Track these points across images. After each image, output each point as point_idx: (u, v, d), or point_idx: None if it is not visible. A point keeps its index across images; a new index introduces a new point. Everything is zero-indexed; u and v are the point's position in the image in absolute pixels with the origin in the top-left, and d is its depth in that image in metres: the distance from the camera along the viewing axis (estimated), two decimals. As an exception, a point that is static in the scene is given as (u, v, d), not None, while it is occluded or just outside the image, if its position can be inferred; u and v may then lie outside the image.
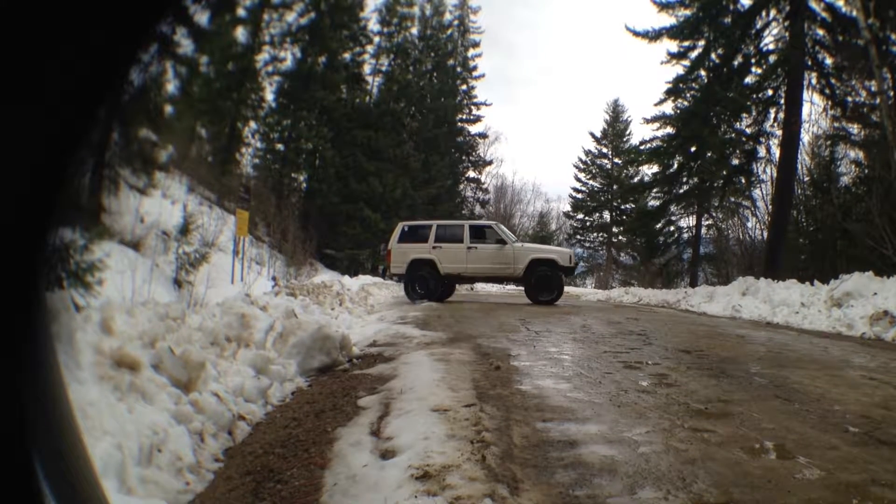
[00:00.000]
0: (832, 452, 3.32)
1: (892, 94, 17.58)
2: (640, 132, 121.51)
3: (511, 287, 24.58)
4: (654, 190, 29.06)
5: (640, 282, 34.21)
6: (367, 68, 35.38)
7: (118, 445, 2.81)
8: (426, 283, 16.31)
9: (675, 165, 26.93)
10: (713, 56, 25.03)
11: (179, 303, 7.46)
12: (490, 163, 49.25)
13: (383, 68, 36.31)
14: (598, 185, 54.26)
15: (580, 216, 55.15)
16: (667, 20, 25.95)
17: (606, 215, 53.60)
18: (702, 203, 26.86)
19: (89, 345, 3.63)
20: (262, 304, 7.01)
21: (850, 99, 21.51)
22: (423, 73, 39.01)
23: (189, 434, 3.48)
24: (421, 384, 4.83)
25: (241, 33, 25.90)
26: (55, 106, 0.74)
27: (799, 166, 23.26)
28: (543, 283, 15.86)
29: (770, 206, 24.65)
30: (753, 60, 23.91)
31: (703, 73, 25.63)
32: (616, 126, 54.08)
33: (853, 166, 22.20)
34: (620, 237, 48.93)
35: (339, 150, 29.97)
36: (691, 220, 28.43)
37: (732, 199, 26.86)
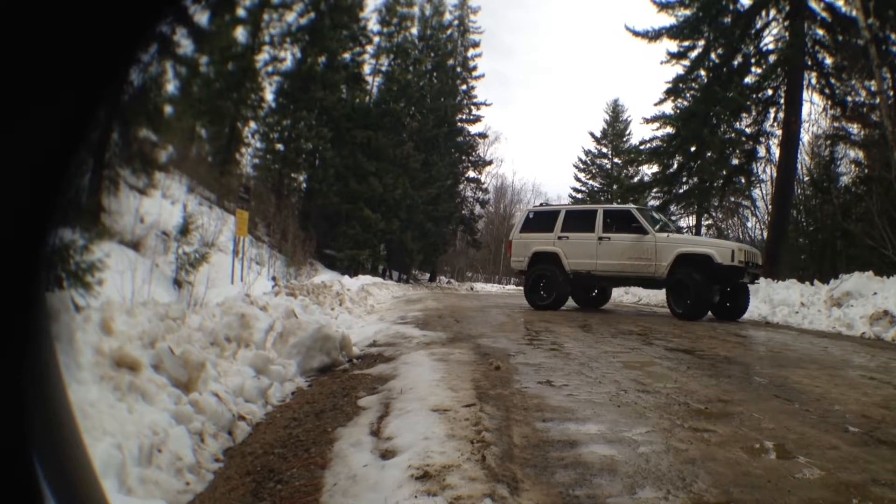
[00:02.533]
0: (832, 452, 3.31)
1: (891, 93, 17.58)
2: (640, 132, 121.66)
3: (511, 287, 23.83)
4: (654, 190, 29.00)
5: (640, 282, 34.16)
6: (366, 68, 35.45)
7: (118, 445, 2.81)
8: (549, 284, 13.48)
9: (675, 165, 26.89)
10: (713, 56, 25.01)
11: (179, 303, 7.46)
12: (490, 163, 49.31)
13: (383, 68, 36.35)
14: (598, 185, 54.20)
15: (580, 216, 55.05)
16: (666, 20, 25.97)
17: (606, 215, 53.48)
18: (702, 203, 26.84)
19: (89, 345, 3.63)
20: (262, 304, 7.01)
21: (849, 99, 21.51)
22: (422, 73, 39.00)
23: (189, 434, 3.48)
24: (421, 384, 4.83)
25: (240, 33, 25.93)
26: (55, 106, 0.74)
27: (799, 166, 23.28)
28: (684, 289, 11.87)
29: (770, 206, 24.67)
30: (753, 60, 23.90)
31: (702, 72, 25.61)
32: (616, 126, 54.04)
33: (853, 166, 22.22)
34: (620, 237, 48.77)
35: (338, 150, 29.97)
36: (691, 220, 28.41)
37: (732, 199, 26.89)
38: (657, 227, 12.99)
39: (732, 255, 11.65)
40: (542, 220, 14.19)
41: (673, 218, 28.94)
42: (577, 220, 13.61)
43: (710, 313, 12.28)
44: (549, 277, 13.42)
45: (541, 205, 16.78)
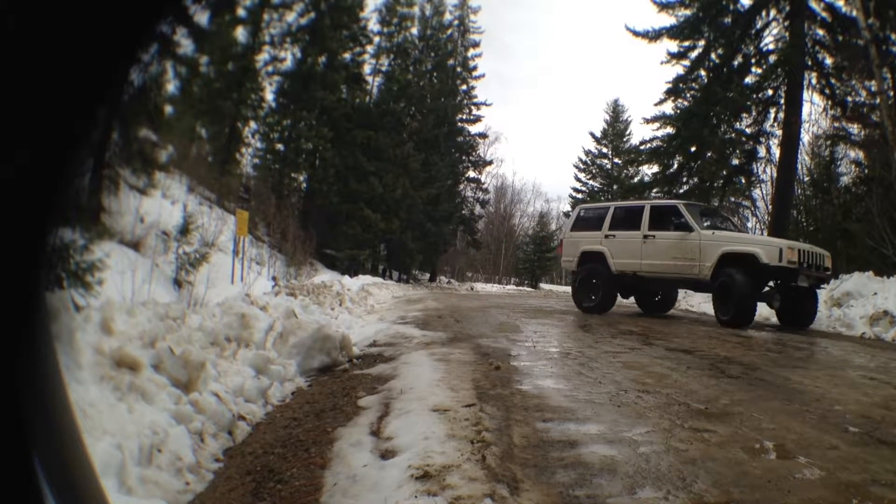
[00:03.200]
0: (832, 452, 3.32)
1: (891, 93, 17.58)
2: (640, 132, 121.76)
3: (511, 287, 23.58)
4: (655, 190, 28.96)
5: (641, 282, 34.16)
6: (367, 68, 35.38)
7: (118, 445, 2.81)
8: (595, 285, 12.83)
9: (675, 165, 26.86)
10: (713, 56, 24.98)
11: (179, 303, 7.46)
12: (490, 163, 49.27)
13: (383, 68, 36.30)
14: (599, 185, 54.22)
15: (580, 216, 55.08)
16: (667, 20, 25.90)
17: (606, 215, 53.50)
18: (702, 203, 26.80)
19: (89, 345, 3.63)
20: (262, 304, 7.01)
21: (850, 99, 21.49)
22: (423, 73, 38.96)
23: (189, 434, 3.48)
24: (421, 384, 4.83)
25: (241, 33, 25.91)
26: (55, 106, 0.74)
27: (799, 166, 23.26)
28: (728, 293, 10.76)
29: (770, 206, 24.63)
30: (753, 60, 23.88)
31: (703, 73, 25.57)
32: (616, 126, 54.06)
33: (853, 166, 22.20)
34: (620, 237, 48.76)
35: (338, 150, 29.94)
36: (691, 220, 28.33)
37: (732, 199, 26.84)
38: (707, 223, 11.93)
39: (780, 255, 10.37)
40: (591, 217, 13.57)
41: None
42: (625, 217, 12.86)
43: (774, 320, 11.69)
44: (596, 278, 12.80)
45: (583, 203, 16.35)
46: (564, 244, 13.93)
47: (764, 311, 11.78)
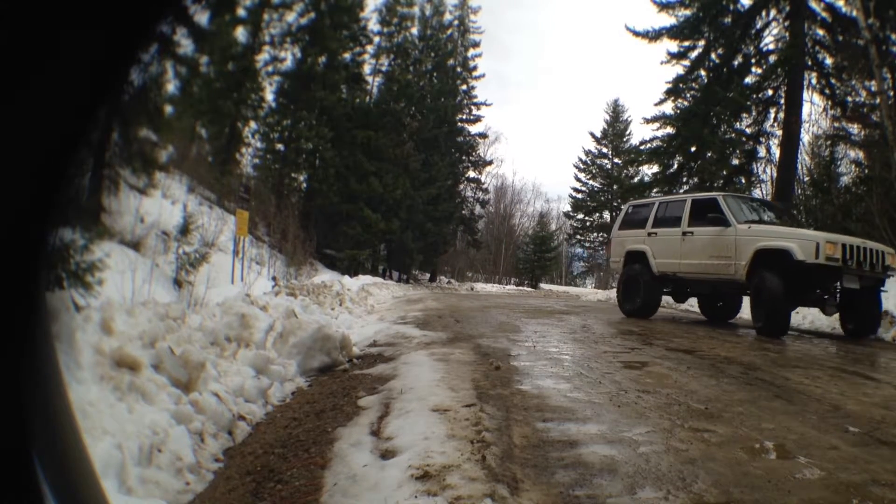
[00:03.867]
0: (832, 452, 3.32)
1: (892, 93, 17.57)
2: (640, 132, 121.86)
3: (511, 287, 23.39)
4: (655, 190, 28.97)
5: (640, 282, 34.16)
6: (367, 68, 35.38)
7: (118, 445, 2.81)
8: (637, 287, 11.95)
9: (675, 165, 26.88)
10: (713, 56, 24.99)
11: (179, 303, 7.46)
12: (490, 163, 49.28)
13: (383, 68, 36.31)
14: (599, 185, 54.32)
15: (580, 216, 55.22)
16: (667, 20, 25.93)
17: (606, 215, 53.62)
18: (701, 203, 26.79)
19: (89, 345, 3.63)
20: (262, 304, 7.01)
21: (850, 99, 21.50)
22: (423, 73, 38.98)
23: (189, 434, 3.48)
24: (421, 384, 4.83)
25: (241, 33, 25.90)
26: (55, 106, 0.74)
27: (799, 166, 23.24)
28: (757, 296, 9.75)
29: (770, 206, 24.63)
30: (753, 60, 23.89)
31: (703, 73, 25.58)
32: (616, 126, 54.13)
33: (853, 166, 22.18)
34: (621, 237, 48.80)
35: (339, 150, 29.93)
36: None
37: (732, 199, 26.80)
38: (753, 217, 10.70)
39: (817, 250, 8.91)
40: (637, 215, 12.65)
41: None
42: (667, 213, 11.90)
43: (839, 329, 10.38)
44: (638, 280, 11.94)
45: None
46: (612, 244, 13.24)
47: (825, 317, 10.58)
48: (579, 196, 54.62)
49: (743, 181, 25.42)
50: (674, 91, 26.38)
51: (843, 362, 6.95)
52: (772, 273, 9.27)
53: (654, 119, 27.33)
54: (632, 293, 12.11)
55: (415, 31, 39.40)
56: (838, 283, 9.29)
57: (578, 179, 54.69)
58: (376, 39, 35.66)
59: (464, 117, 44.70)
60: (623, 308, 12.41)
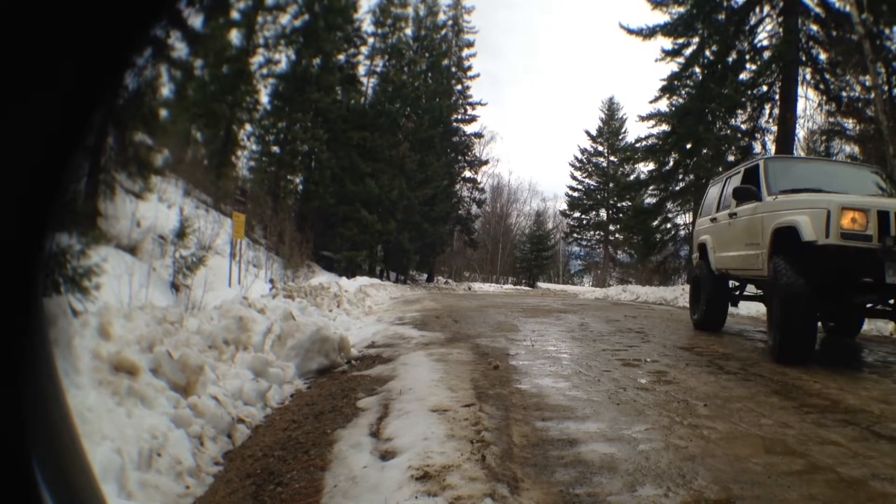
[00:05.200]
0: (832, 448, 3.32)
1: (886, 88, 17.60)
2: (636, 130, 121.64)
3: (508, 286, 23.24)
4: (651, 187, 29.01)
5: (638, 279, 34.27)
6: (361, 69, 35.36)
7: (117, 450, 2.80)
8: (698, 290, 9.75)
9: (671, 163, 26.93)
10: (707, 53, 25.04)
11: (177, 306, 7.45)
12: (486, 162, 49.36)
13: (378, 69, 36.31)
14: (595, 184, 54.42)
15: (577, 214, 55.32)
16: (661, 17, 26.00)
17: (603, 213, 53.78)
18: (698, 200, 26.81)
19: (87, 350, 3.62)
20: (259, 306, 7.00)
21: (844, 94, 21.54)
22: (417, 73, 38.97)
23: (188, 438, 3.47)
24: (420, 385, 4.83)
25: (235, 36, 25.86)
26: (50, 111, 0.74)
27: (795, 162, 23.29)
28: (768, 300, 7.39)
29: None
30: (748, 57, 23.93)
31: (697, 70, 25.63)
32: (611, 124, 54.23)
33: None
34: (617, 235, 49.08)
35: (334, 152, 29.93)
36: (688, 217, 28.35)
37: (729, 196, 26.87)
38: (794, 185, 7.52)
39: (828, 224, 5.95)
40: (712, 194, 10.26)
41: (670, 215, 28.91)
42: (728, 189, 9.15)
43: None
44: (699, 281, 9.79)
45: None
46: (694, 234, 10.89)
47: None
48: (576, 194, 54.72)
49: (739, 178, 25.46)
50: (669, 88, 26.42)
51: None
52: (786, 264, 6.40)
53: (650, 116, 27.36)
54: (696, 298, 9.97)
55: (409, 31, 39.41)
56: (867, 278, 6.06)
57: (574, 178, 54.83)
58: (371, 40, 35.68)
59: (459, 117, 44.74)
60: (692, 317, 10.10)
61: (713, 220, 9.48)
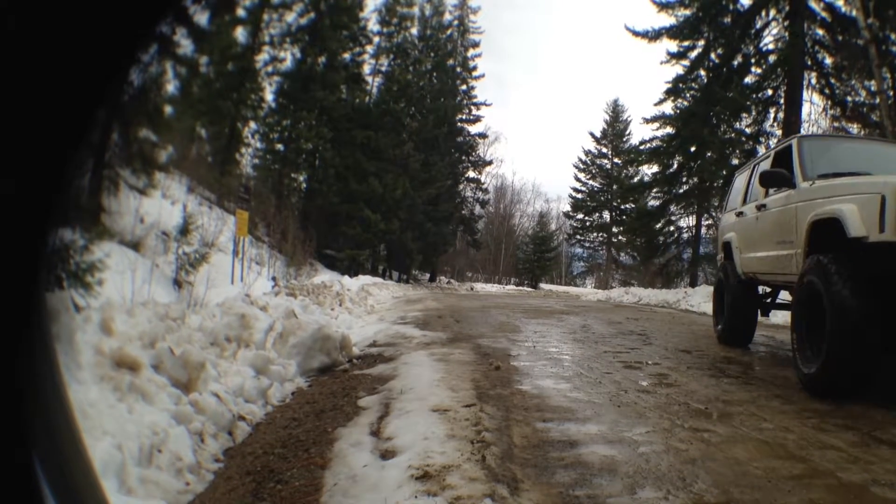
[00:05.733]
0: (832, 452, 3.31)
1: (891, 93, 17.57)
2: (640, 132, 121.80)
3: (511, 287, 23.12)
4: (654, 190, 29.05)
5: (640, 282, 34.25)
6: (366, 68, 35.36)
7: (118, 446, 2.81)
8: (722, 297, 8.31)
9: (675, 165, 26.95)
10: (713, 56, 25.06)
11: (179, 303, 7.46)
12: (490, 163, 49.31)
13: (383, 68, 36.30)
14: (598, 185, 54.32)
15: (580, 216, 55.23)
16: (666, 20, 26.04)
17: (606, 215, 53.68)
18: (702, 203, 26.84)
19: (89, 345, 3.63)
20: (261, 304, 7.01)
21: (849, 99, 21.52)
22: (422, 73, 38.96)
23: (189, 434, 3.48)
24: (421, 384, 4.83)
25: (240, 34, 25.89)
26: (55, 106, 0.74)
27: (799, 166, 23.25)
28: (798, 317, 5.40)
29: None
30: (753, 60, 23.93)
31: (702, 72, 25.65)
32: (616, 126, 54.13)
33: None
34: (620, 237, 48.96)
35: (338, 151, 29.94)
36: (691, 220, 28.41)
37: (732, 199, 26.87)
38: (836, 168, 6.09)
39: (882, 213, 4.53)
40: (738, 185, 8.74)
41: (673, 218, 28.84)
42: (756, 178, 7.53)
43: None
44: (723, 287, 8.35)
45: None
46: (717, 233, 9.63)
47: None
48: (579, 196, 54.63)
49: (743, 181, 25.45)
50: (673, 91, 26.44)
51: None
52: (829, 265, 4.85)
53: (654, 119, 27.40)
54: (720, 307, 8.45)
55: (414, 31, 39.41)
56: None
57: (578, 179, 54.72)
58: (376, 39, 35.69)
59: (463, 117, 44.73)
60: (715, 329, 8.58)
61: (739, 214, 8.03)
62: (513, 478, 2.82)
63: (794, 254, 5.92)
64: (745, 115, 24.43)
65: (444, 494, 2.57)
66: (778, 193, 6.60)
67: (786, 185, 6.33)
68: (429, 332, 8.39)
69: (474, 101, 45.49)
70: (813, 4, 22.18)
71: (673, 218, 28.89)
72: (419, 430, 3.50)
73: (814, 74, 22.59)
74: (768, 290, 8.15)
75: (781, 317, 9.65)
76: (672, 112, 26.74)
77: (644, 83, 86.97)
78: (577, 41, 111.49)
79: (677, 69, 25.96)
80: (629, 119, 53.76)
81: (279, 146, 29.75)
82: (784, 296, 7.92)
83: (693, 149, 25.67)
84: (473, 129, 45.82)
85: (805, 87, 22.26)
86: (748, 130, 24.76)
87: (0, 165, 0.71)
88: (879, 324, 4.51)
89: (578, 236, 56.39)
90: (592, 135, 54.93)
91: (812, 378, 4.88)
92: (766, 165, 7.32)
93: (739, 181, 8.69)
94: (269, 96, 28.79)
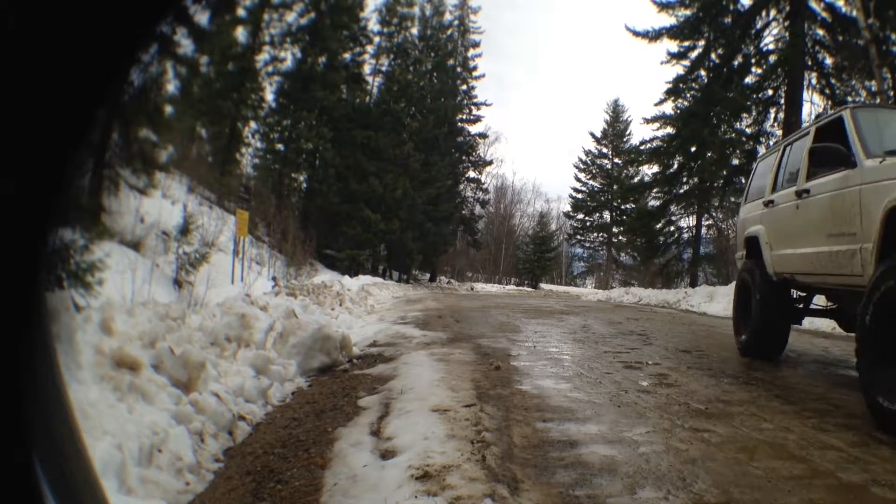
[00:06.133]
0: (833, 452, 3.31)
1: (892, 93, 17.57)
2: (641, 132, 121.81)
3: (511, 287, 23.08)
4: (655, 190, 29.05)
5: (641, 282, 34.25)
6: (367, 68, 35.35)
7: (118, 445, 2.81)
8: (747, 302, 7.06)
9: (675, 165, 26.95)
10: (713, 56, 25.05)
11: (179, 303, 7.46)
12: (490, 163, 49.29)
13: (383, 68, 36.28)
14: (599, 185, 54.30)
15: (580, 216, 55.22)
16: (667, 20, 25.98)
17: (606, 215, 53.66)
18: (702, 203, 26.86)
19: (89, 345, 3.63)
20: (262, 304, 7.01)
21: (850, 99, 21.50)
22: (423, 73, 38.94)
23: (189, 434, 3.48)
24: (421, 384, 4.83)
25: (241, 33, 25.88)
26: (55, 106, 0.74)
27: (799, 166, 23.24)
28: (871, 336, 4.07)
29: (770, 206, 24.63)
30: (753, 60, 23.93)
31: (703, 73, 25.65)
32: (616, 126, 54.11)
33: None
34: (620, 237, 48.96)
35: (339, 151, 29.93)
36: (691, 220, 28.42)
37: (732, 199, 26.87)
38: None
39: None
40: (763, 171, 7.57)
41: (673, 218, 28.84)
42: (792, 159, 6.64)
43: None
44: (747, 289, 7.11)
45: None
46: (737, 227, 8.54)
47: None
48: (579, 196, 54.61)
49: (743, 181, 25.44)
50: (674, 91, 26.44)
51: None
52: None
53: (655, 119, 27.40)
54: (743, 313, 7.25)
55: (415, 31, 39.39)
56: None
57: (578, 179, 54.70)
58: (376, 39, 35.66)
59: (464, 117, 44.71)
60: (736, 339, 7.36)
61: (768, 203, 6.81)
62: (513, 478, 2.82)
63: (857, 249, 4.76)
64: (745, 115, 24.44)
65: (444, 494, 2.57)
66: (828, 175, 5.42)
67: (842, 164, 5.16)
68: (429, 332, 8.39)
69: (474, 101, 45.50)
70: (813, 4, 22.18)
71: (673, 218, 28.91)
72: (419, 430, 3.50)
73: (814, 74, 22.60)
74: (801, 293, 6.97)
75: (808, 322, 8.71)
76: (672, 112, 26.75)
77: (644, 83, 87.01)
78: (577, 41, 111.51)
79: (677, 69, 25.98)
80: (629, 119, 53.77)
81: (279, 146, 29.74)
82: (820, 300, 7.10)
83: (693, 149, 25.67)
84: (474, 129, 45.85)
85: (805, 87, 22.26)
86: (748, 130, 24.76)
87: (0, 165, 0.71)
88: None
89: (578, 236, 56.39)
90: (593, 135, 54.94)
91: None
92: (803, 145, 6.21)
93: (764, 167, 7.63)
94: (269, 96, 28.79)
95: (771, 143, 24.06)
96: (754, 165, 8.35)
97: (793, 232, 6.06)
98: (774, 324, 6.67)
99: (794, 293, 6.96)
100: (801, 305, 7.02)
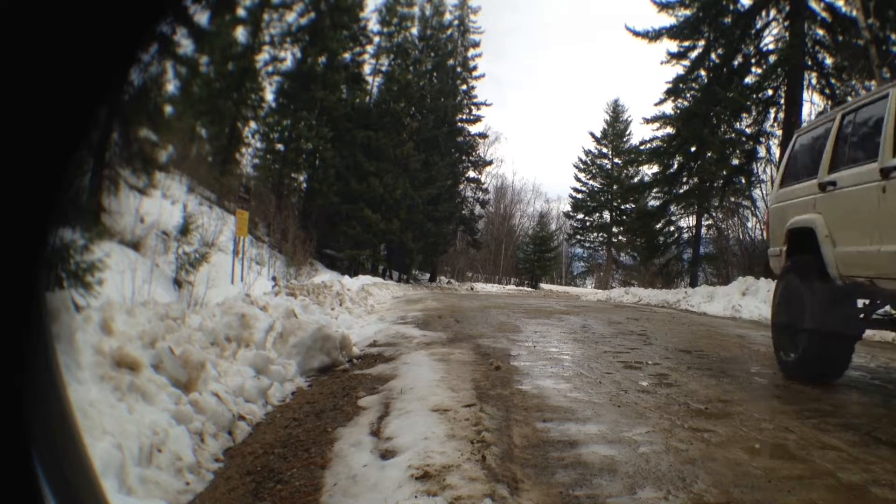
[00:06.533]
0: (832, 453, 3.31)
1: (892, 94, 17.54)
2: (641, 132, 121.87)
3: (511, 287, 23.00)
4: (654, 190, 29.01)
5: (640, 282, 34.19)
6: (367, 68, 35.37)
7: (118, 445, 2.81)
8: (797, 312, 5.53)
9: (675, 165, 26.92)
10: (713, 56, 25.03)
11: (179, 303, 7.46)
12: (490, 163, 49.25)
13: (383, 68, 36.28)
14: (599, 185, 54.29)
15: (580, 216, 55.22)
16: (667, 20, 25.96)
17: (606, 215, 53.67)
18: (702, 203, 26.83)
19: (89, 345, 3.63)
20: (262, 304, 7.01)
21: (850, 99, 21.49)
22: (423, 73, 38.92)
23: (189, 434, 3.48)
24: (421, 384, 4.83)
25: (241, 33, 25.88)
26: (55, 106, 0.74)
27: (799, 166, 23.23)
28: None
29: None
30: (753, 60, 23.92)
31: (703, 73, 25.62)
32: (616, 126, 54.10)
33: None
34: (620, 237, 49.00)
35: (339, 151, 29.94)
36: (691, 220, 28.39)
37: (732, 199, 26.87)
38: None
39: None
40: (809, 148, 6.17)
41: (673, 218, 28.84)
42: (859, 133, 5.30)
43: None
44: (798, 295, 5.67)
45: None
46: (769, 217, 6.97)
47: None
48: (579, 196, 54.62)
49: (743, 181, 25.46)
50: (674, 91, 26.42)
51: None
52: None
53: (655, 119, 27.38)
54: (789, 322, 5.76)
55: (415, 31, 39.38)
56: None
57: (578, 179, 54.70)
58: (376, 39, 35.68)
59: (464, 117, 44.67)
60: (778, 356, 5.98)
61: (826, 186, 5.43)
62: (513, 478, 2.82)
63: None
64: (745, 115, 24.41)
65: (444, 494, 2.57)
66: None
67: None
68: (429, 332, 8.39)
69: (474, 101, 45.44)
70: (813, 5, 22.17)
71: (673, 218, 28.87)
72: (419, 429, 3.50)
73: (814, 74, 22.59)
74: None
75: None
76: (672, 112, 26.73)
77: (644, 83, 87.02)
78: (577, 41, 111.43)
79: (677, 69, 25.95)
80: (629, 119, 53.76)
81: (279, 146, 29.73)
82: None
83: (693, 149, 25.65)
84: (473, 129, 45.80)
85: (805, 87, 22.25)
86: (748, 130, 24.74)
87: (0, 165, 0.71)
88: None
89: (578, 236, 56.39)
90: (593, 135, 54.93)
91: None
92: (875, 112, 5.03)
93: (808, 140, 6.25)
94: (269, 96, 28.81)
95: (771, 143, 24.10)
96: (794, 140, 6.71)
97: (874, 222, 4.76)
98: (837, 340, 5.27)
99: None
100: (862, 315, 5.56)
